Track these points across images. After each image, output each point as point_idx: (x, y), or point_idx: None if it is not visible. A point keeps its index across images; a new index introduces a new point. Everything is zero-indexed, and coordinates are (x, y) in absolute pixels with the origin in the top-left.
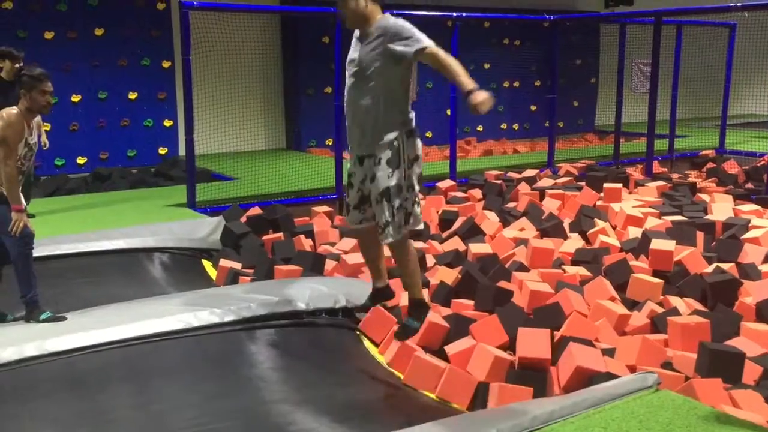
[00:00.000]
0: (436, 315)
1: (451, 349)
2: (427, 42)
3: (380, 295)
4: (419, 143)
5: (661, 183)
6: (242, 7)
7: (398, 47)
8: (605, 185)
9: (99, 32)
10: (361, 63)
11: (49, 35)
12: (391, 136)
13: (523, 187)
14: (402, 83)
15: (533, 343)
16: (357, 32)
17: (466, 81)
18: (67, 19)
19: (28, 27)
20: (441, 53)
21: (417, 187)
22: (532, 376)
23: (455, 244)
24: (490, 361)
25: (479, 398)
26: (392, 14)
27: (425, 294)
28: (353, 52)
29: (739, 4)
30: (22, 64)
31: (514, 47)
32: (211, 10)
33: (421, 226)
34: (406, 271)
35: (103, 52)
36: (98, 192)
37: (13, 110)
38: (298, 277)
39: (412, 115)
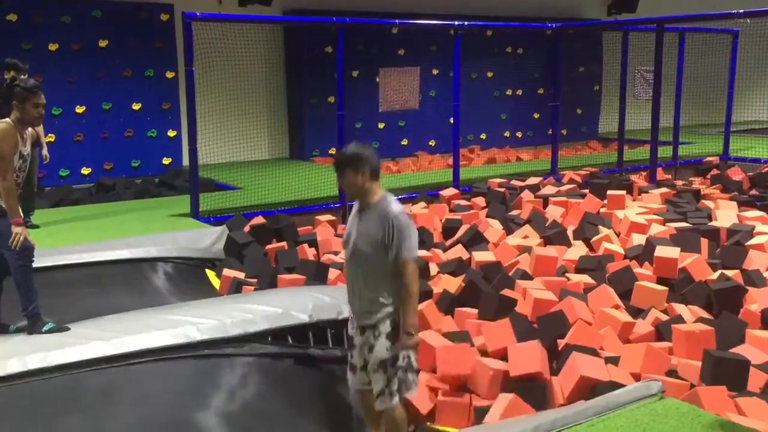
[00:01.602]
0: None
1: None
2: (410, 255)
3: None
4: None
5: (665, 190)
6: (245, 17)
7: (385, 244)
8: (609, 192)
9: (103, 44)
10: (356, 243)
11: (53, 47)
12: (390, 310)
13: (527, 195)
14: (388, 267)
15: (525, 358)
16: (356, 205)
17: (410, 321)
18: (71, 31)
19: (32, 39)
20: (410, 279)
21: (413, 356)
22: (530, 389)
23: (458, 252)
24: (488, 376)
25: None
26: (396, 24)
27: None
28: (350, 225)
29: (741, 11)
30: (26, 76)
31: (517, 55)
32: (214, 21)
33: (413, 393)
34: None
35: (107, 63)
36: (102, 202)
37: (4, 123)
38: (301, 287)
39: None
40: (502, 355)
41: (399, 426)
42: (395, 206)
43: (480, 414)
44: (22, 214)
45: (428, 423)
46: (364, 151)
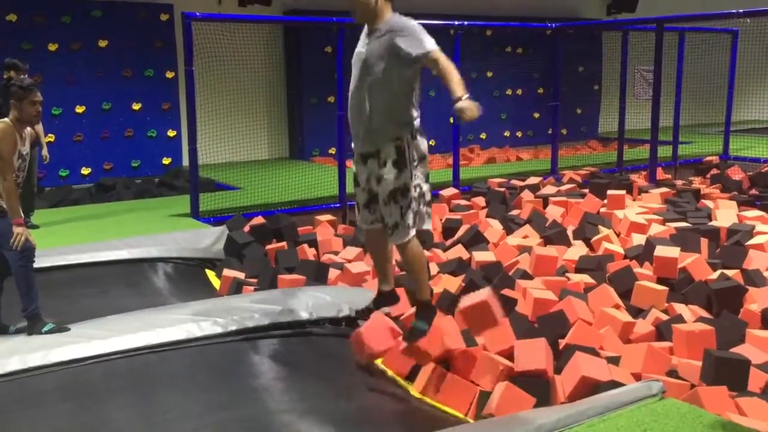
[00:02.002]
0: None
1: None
2: (431, 47)
3: (384, 299)
4: (425, 143)
5: (664, 189)
6: (245, 17)
7: (405, 48)
8: (609, 192)
9: (103, 44)
10: (367, 59)
11: (53, 47)
12: (396, 135)
13: (527, 195)
14: (407, 84)
15: (531, 354)
16: (366, 28)
17: (457, 88)
18: (71, 31)
19: (32, 39)
20: (443, 59)
21: (425, 186)
22: (534, 384)
23: (459, 252)
24: (497, 371)
25: (480, 406)
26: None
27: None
28: (360, 47)
29: (741, 11)
30: (26, 76)
31: (517, 55)
32: (214, 21)
33: (428, 226)
34: (412, 272)
35: (106, 63)
36: (102, 202)
37: (2, 123)
38: (302, 287)
39: (418, 115)
40: (503, 356)
41: (417, 259)
42: (400, 18)
43: (484, 397)
44: (22, 214)
45: (427, 397)
46: None
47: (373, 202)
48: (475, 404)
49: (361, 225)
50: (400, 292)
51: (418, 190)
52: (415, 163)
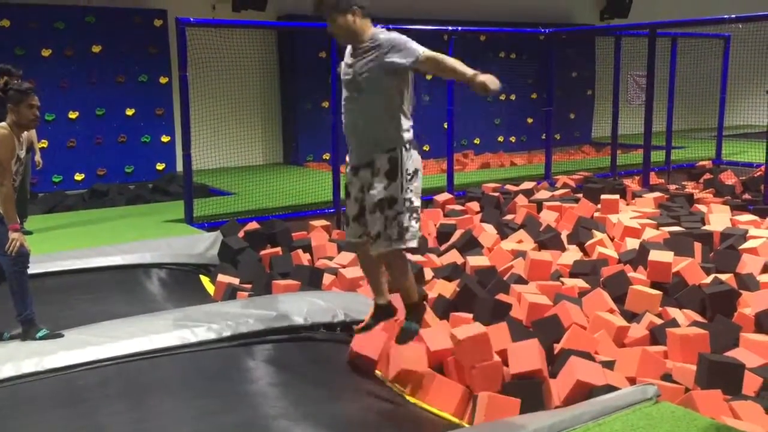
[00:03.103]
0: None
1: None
2: (420, 50)
3: (382, 313)
4: (418, 156)
5: (658, 194)
6: (239, 23)
7: (395, 59)
8: (603, 197)
9: (96, 49)
10: (355, 77)
11: (46, 53)
12: (389, 146)
13: (521, 200)
14: (398, 95)
15: (524, 356)
16: (349, 47)
17: (467, 70)
18: (64, 37)
19: (25, 44)
20: (437, 56)
21: (416, 203)
22: (528, 386)
23: (453, 257)
24: (493, 374)
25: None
26: (387, 29)
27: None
28: (347, 66)
29: (733, 16)
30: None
31: (511, 60)
32: (208, 26)
33: (414, 244)
34: (396, 284)
35: (100, 69)
36: (96, 208)
37: (1, 129)
38: (296, 292)
39: (410, 126)
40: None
41: (401, 273)
42: (383, 33)
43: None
44: (18, 220)
45: (412, 398)
46: None
47: (363, 215)
48: (470, 408)
49: (350, 238)
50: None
51: (407, 204)
52: (409, 177)
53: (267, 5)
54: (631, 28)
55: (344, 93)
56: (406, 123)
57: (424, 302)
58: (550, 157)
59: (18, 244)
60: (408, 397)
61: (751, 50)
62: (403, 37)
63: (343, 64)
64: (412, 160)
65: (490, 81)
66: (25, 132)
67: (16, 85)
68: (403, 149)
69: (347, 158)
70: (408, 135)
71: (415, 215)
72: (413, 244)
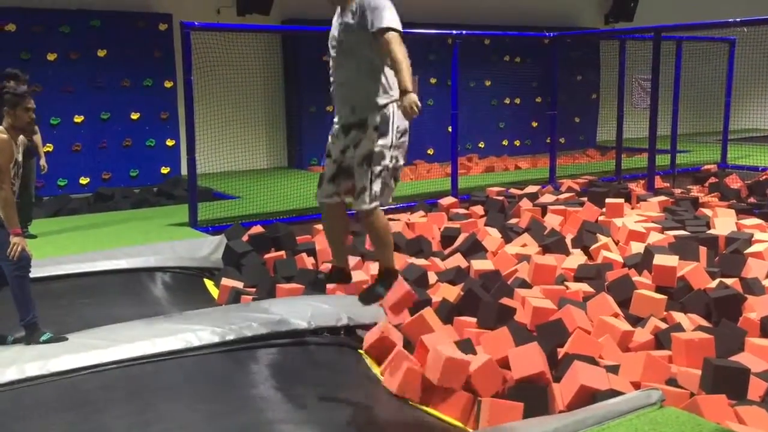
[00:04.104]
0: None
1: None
2: (390, 24)
3: (338, 275)
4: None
5: (663, 198)
6: (243, 27)
7: (369, 19)
8: (607, 201)
9: (101, 53)
10: (341, 40)
11: (51, 57)
12: (382, 102)
13: (525, 203)
14: (379, 58)
15: (526, 360)
16: (338, 10)
17: (406, 80)
18: (69, 41)
19: (31, 49)
20: (392, 44)
21: (401, 161)
22: (532, 390)
23: (457, 261)
24: (496, 379)
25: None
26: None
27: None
28: (334, 30)
29: (738, 20)
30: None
31: (515, 64)
32: (213, 30)
33: (388, 202)
34: (377, 241)
35: (105, 73)
36: (101, 212)
37: (0, 134)
38: (300, 296)
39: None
40: (501, 364)
41: (382, 230)
42: None
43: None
44: (19, 224)
45: (423, 406)
46: None
47: (339, 175)
48: (475, 414)
49: (321, 198)
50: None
51: (393, 162)
52: (399, 135)
53: (271, 9)
54: (636, 32)
55: (332, 58)
56: (394, 85)
57: (398, 273)
58: (554, 161)
59: (19, 249)
60: (412, 403)
61: (757, 53)
62: (388, 4)
63: (332, 26)
64: (401, 118)
65: (411, 105)
66: (22, 135)
67: (12, 89)
68: (395, 106)
69: (335, 119)
70: (396, 95)
71: (396, 174)
72: (388, 201)
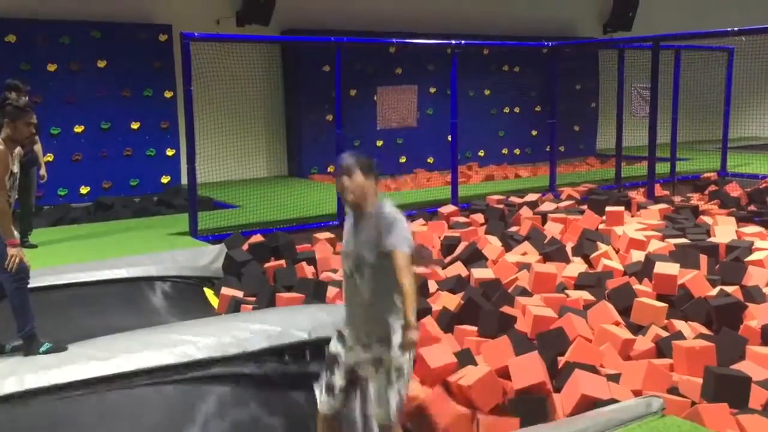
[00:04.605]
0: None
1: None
2: (401, 247)
3: None
4: None
5: (663, 206)
6: (243, 37)
7: (385, 241)
8: (607, 209)
9: (102, 64)
10: (358, 252)
11: (52, 67)
12: (399, 323)
13: (525, 212)
14: (393, 274)
15: (526, 370)
16: (351, 217)
17: (410, 315)
18: (70, 52)
19: (31, 60)
20: (400, 273)
21: (410, 372)
22: (532, 402)
23: (458, 269)
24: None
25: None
26: (394, 43)
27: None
28: (348, 239)
29: (735, 29)
30: (26, 97)
31: (514, 73)
32: (212, 41)
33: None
34: None
35: (105, 83)
36: (101, 221)
37: None
38: (300, 305)
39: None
40: (502, 373)
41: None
42: (387, 206)
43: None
44: (17, 235)
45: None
46: (373, 160)
47: (350, 386)
48: (475, 428)
49: (323, 410)
50: None
51: (407, 376)
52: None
53: (271, 20)
54: (635, 41)
55: (347, 267)
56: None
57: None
58: (554, 169)
59: (17, 260)
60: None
61: (755, 62)
62: (393, 223)
63: (344, 234)
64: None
65: (410, 343)
66: (18, 147)
67: (15, 101)
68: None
69: (347, 332)
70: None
71: (408, 385)
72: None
